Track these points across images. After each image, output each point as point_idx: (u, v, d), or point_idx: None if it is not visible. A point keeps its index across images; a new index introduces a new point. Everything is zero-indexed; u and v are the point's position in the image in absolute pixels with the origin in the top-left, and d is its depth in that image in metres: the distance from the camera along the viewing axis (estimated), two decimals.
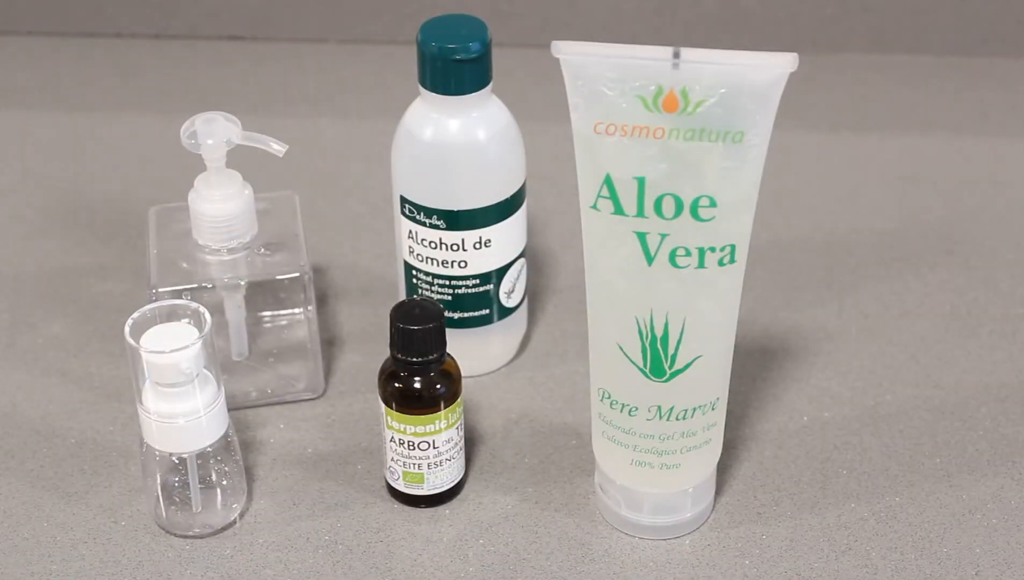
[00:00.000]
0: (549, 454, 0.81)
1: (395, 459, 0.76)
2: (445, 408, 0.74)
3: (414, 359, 0.74)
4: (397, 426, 0.75)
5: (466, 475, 0.79)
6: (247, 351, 0.84)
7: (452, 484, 0.77)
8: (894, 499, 0.78)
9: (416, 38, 0.77)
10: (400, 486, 0.77)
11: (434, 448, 0.75)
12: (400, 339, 0.74)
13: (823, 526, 0.76)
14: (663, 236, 0.67)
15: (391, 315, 0.74)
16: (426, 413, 0.74)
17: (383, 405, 0.75)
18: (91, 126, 1.08)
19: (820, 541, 0.75)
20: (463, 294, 0.82)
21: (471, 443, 0.81)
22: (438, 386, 0.74)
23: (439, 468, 0.76)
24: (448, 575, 0.74)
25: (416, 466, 0.76)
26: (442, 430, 0.75)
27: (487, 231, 0.80)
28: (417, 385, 0.74)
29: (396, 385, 0.74)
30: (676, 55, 0.64)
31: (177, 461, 0.74)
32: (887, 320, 0.90)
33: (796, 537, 0.76)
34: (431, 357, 0.74)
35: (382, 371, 0.75)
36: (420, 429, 0.74)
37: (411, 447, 0.75)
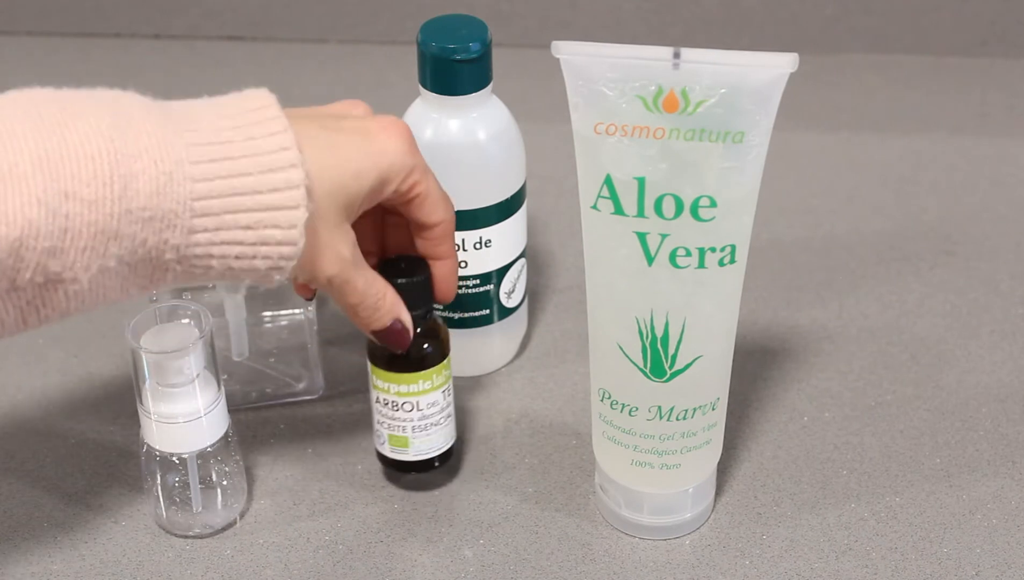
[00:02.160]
0: (549, 454, 0.81)
1: (380, 422, 0.76)
2: (430, 368, 0.74)
3: None
4: (382, 385, 0.74)
5: (460, 454, 0.79)
6: (247, 351, 0.84)
7: (439, 451, 0.77)
8: (894, 499, 0.78)
9: (416, 38, 0.77)
10: (386, 451, 0.76)
11: (418, 410, 0.75)
12: None
13: (823, 526, 0.76)
14: (663, 236, 0.67)
15: (377, 271, 0.73)
16: (410, 372, 0.74)
17: (369, 363, 0.75)
18: None
19: (820, 541, 0.75)
20: (463, 294, 0.82)
21: (471, 443, 0.81)
22: (424, 346, 0.74)
23: (424, 433, 0.75)
24: (448, 575, 0.74)
25: (400, 428, 0.75)
26: (426, 391, 0.74)
27: (487, 231, 0.80)
28: None
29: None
30: (676, 55, 0.65)
31: (177, 461, 0.74)
32: (887, 320, 0.90)
33: (796, 537, 0.76)
34: (416, 312, 0.73)
35: None
36: (404, 388, 0.74)
37: (395, 408, 0.75)
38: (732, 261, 0.68)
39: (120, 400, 0.84)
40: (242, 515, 0.77)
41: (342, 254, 0.65)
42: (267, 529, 0.76)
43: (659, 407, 0.71)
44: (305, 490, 0.78)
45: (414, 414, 0.75)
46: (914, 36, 1.14)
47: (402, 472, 0.77)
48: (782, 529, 0.76)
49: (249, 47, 1.17)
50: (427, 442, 0.76)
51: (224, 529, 0.76)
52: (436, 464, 0.77)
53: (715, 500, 0.77)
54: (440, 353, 0.74)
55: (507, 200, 0.80)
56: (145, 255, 0.58)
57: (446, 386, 0.75)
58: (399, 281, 0.72)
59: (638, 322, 0.70)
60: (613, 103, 0.66)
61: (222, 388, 0.74)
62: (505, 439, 0.82)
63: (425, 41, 0.76)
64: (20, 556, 0.75)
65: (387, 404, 0.75)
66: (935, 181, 1.02)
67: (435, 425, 0.76)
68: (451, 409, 0.76)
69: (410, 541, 0.76)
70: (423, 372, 0.74)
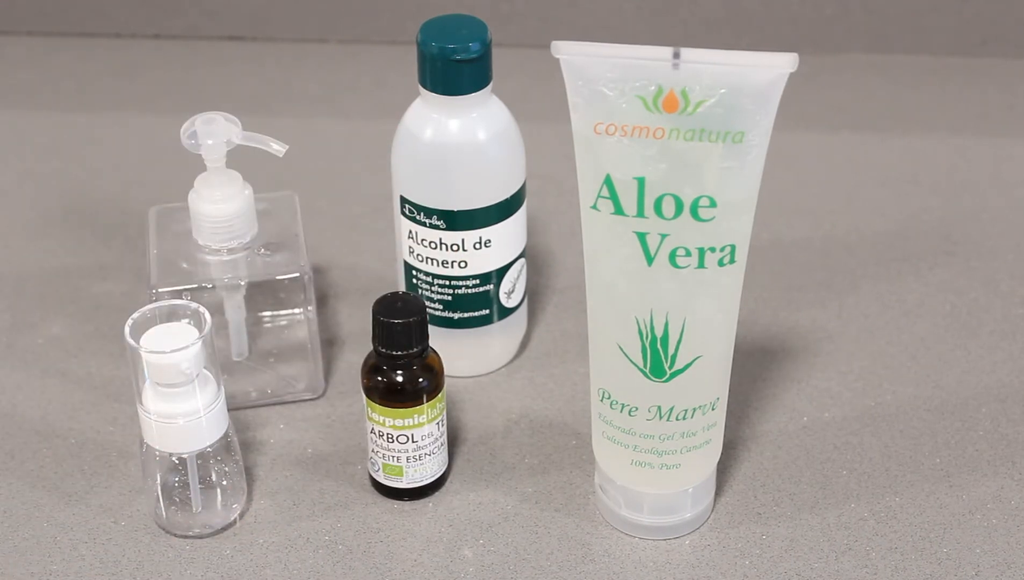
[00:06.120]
0: (549, 454, 0.81)
1: (375, 451, 0.76)
2: (426, 402, 0.74)
3: (395, 353, 0.74)
4: (378, 418, 0.75)
5: (449, 470, 0.79)
6: (247, 351, 0.84)
7: (433, 479, 0.77)
8: (894, 499, 0.78)
9: (416, 38, 0.77)
10: (380, 478, 0.77)
11: (413, 442, 0.75)
12: (381, 333, 0.74)
13: (823, 526, 0.76)
14: (663, 236, 0.67)
15: (373, 309, 0.74)
16: (406, 406, 0.74)
17: (364, 397, 0.75)
18: (91, 126, 1.08)
19: (820, 541, 0.75)
20: (463, 294, 0.82)
21: (471, 443, 0.81)
22: (420, 380, 0.74)
23: (419, 462, 0.76)
24: (448, 575, 0.74)
25: (395, 459, 0.76)
26: (422, 424, 0.75)
27: (487, 231, 0.80)
28: (399, 378, 0.74)
29: (378, 378, 0.74)
30: (676, 55, 0.65)
31: (177, 461, 0.74)
32: (887, 320, 0.90)
33: (796, 537, 0.76)
34: (412, 351, 0.74)
35: (365, 363, 0.76)
36: (400, 422, 0.74)
37: (391, 439, 0.75)
38: (732, 261, 0.68)
39: (120, 400, 0.84)
40: (242, 515, 0.77)
41: None
42: (267, 529, 0.76)
43: (659, 407, 0.71)
44: (305, 490, 0.78)
45: (409, 446, 0.75)
46: (914, 36, 1.14)
47: (395, 499, 0.77)
48: (782, 529, 0.76)
49: (249, 47, 1.17)
50: (420, 471, 0.76)
51: (224, 529, 0.76)
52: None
53: (715, 500, 0.77)
54: (435, 386, 0.75)
55: (507, 200, 0.80)
56: None
57: (440, 418, 0.76)
58: (395, 322, 0.72)
59: (638, 322, 0.70)
60: (613, 103, 0.66)
61: (222, 388, 0.74)
62: (505, 439, 0.82)
63: (425, 41, 0.76)
64: (20, 556, 0.75)
65: (382, 435, 0.75)
66: (935, 181, 1.02)
67: (429, 455, 0.76)
68: (444, 438, 0.77)
69: (410, 541, 0.76)
70: (418, 407, 0.74)
